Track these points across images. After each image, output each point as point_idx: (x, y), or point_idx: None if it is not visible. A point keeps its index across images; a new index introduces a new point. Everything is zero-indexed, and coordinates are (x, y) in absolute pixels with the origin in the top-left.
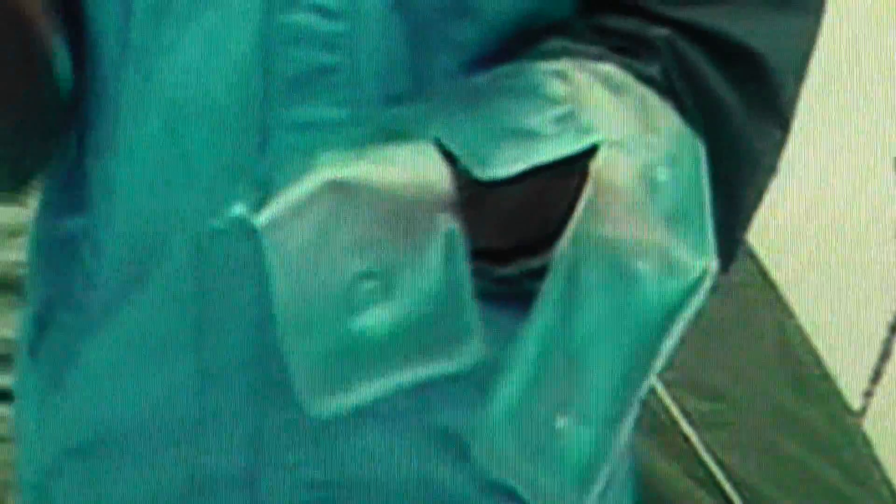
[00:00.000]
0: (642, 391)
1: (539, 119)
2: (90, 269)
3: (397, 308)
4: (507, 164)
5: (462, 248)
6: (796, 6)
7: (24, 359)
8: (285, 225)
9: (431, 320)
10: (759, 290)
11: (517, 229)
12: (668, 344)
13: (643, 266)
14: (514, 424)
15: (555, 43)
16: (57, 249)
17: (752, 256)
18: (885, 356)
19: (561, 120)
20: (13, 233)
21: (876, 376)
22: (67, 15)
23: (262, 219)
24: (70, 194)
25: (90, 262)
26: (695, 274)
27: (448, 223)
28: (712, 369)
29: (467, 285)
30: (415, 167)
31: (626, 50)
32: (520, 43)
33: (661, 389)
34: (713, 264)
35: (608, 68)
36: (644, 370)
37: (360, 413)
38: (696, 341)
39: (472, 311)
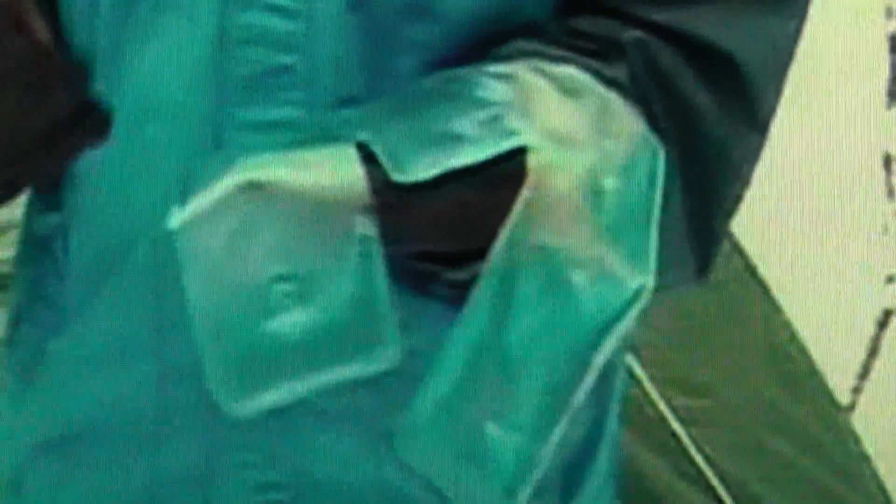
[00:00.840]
0: (574, 403)
1: (465, 122)
2: (61, 267)
3: (312, 312)
4: (424, 167)
5: (378, 252)
6: (778, 10)
7: (3, 354)
8: (200, 226)
9: (347, 325)
10: (747, 287)
11: (462, 233)
12: (601, 357)
13: (578, 278)
14: (442, 426)
15: (517, 45)
16: (35, 246)
17: (739, 252)
18: (873, 352)
19: (485, 123)
20: (1, 229)
21: (864, 372)
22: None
23: (175, 220)
24: (46, 194)
25: (62, 259)
26: (631, 290)
27: (365, 227)
28: (701, 366)
29: (383, 291)
30: (333, 170)
31: (596, 52)
32: (489, 45)
33: (649, 386)
34: (650, 281)
35: (568, 71)
36: (575, 382)
37: (315, 414)
38: (685, 338)
39: (388, 316)
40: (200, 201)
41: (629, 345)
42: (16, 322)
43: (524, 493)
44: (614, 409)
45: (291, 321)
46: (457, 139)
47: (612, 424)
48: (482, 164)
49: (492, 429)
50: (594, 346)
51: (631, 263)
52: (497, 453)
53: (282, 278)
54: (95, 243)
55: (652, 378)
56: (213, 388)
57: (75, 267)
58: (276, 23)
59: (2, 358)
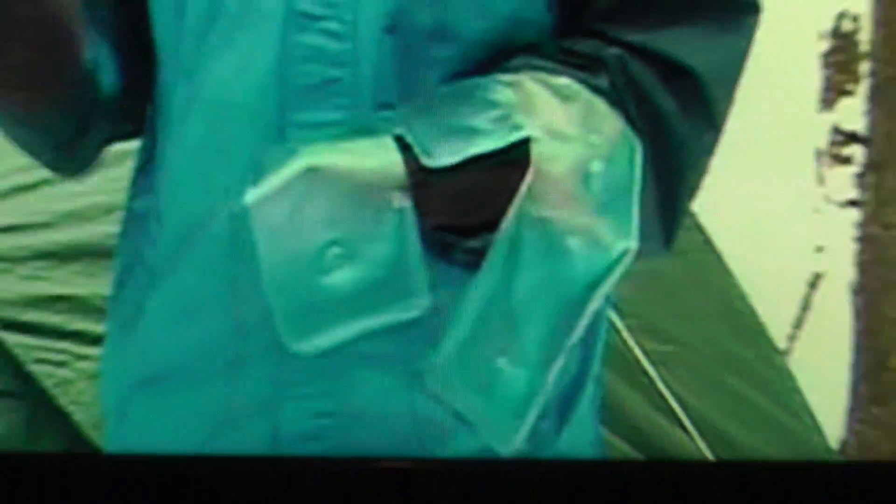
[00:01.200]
0: (569, 344)
1: (480, 119)
2: (155, 238)
3: (358, 270)
4: (448, 154)
5: (411, 222)
6: (731, 32)
7: (108, 309)
8: (269, 203)
9: (386, 280)
10: (705, 256)
11: (477, 210)
12: (592, 306)
13: (573, 243)
14: (461, 362)
15: (521, 60)
16: (134, 222)
17: (699, 229)
18: (805, 307)
19: (497, 120)
20: (108, 209)
21: (798, 323)
22: (137, 35)
23: (250, 197)
24: (144, 179)
25: (155, 232)
26: (616, 252)
27: (400, 201)
28: (668, 319)
29: (416, 252)
30: (375, 156)
31: (584, 66)
32: (500, 59)
33: (627, 334)
34: (633, 245)
35: (563, 80)
36: (570, 327)
37: (358, 357)
38: (655, 297)
39: (420, 272)
40: (270, 182)
41: (612, 302)
42: (119, 283)
43: (530, 416)
44: (599, 352)
45: (341, 277)
46: (474, 132)
47: (597, 364)
48: (494, 152)
49: (503, 364)
50: (586, 298)
51: (616, 232)
52: (508, 384)
53: (333, 243)
54: (182, 218)
55: (629, 328)
56: (280, 332)
57: (166, 238)
58: (328, 44)
59: (108, 312)
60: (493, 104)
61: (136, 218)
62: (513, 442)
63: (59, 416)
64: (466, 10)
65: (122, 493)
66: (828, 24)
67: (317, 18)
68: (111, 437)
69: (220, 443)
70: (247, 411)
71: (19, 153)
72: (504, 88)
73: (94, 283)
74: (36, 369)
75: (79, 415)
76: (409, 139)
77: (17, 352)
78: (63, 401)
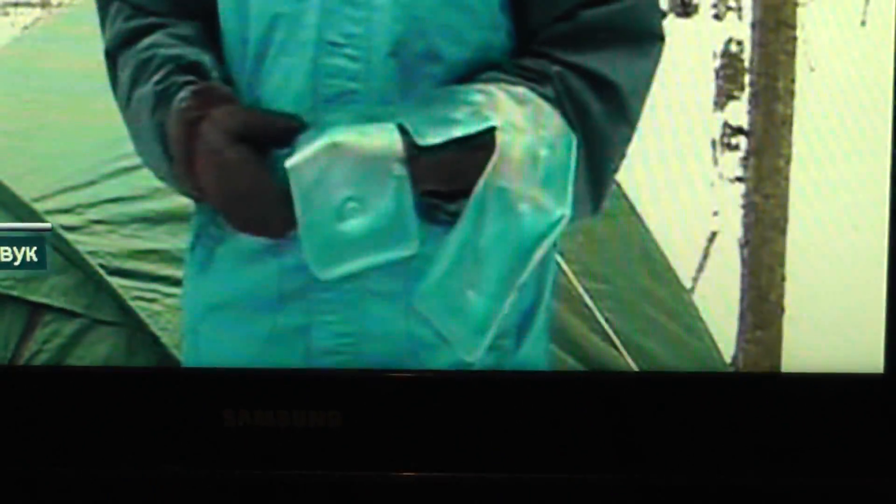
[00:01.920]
0: (520, 281)
1: (459, 113)
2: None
3: (368, 219)
4: (435, 136)
5: (408, 185)
6: (644, 55)
7: (187, 255)
8: (303, 167)
9: (388, 227)
10: (630, 218)
11: (457, 180)
12: (537, 256)
13: (524, 207)
14: (441, 293)
15: (490, 74)
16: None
17: (625, 198)
18: (705, 257)
19: (471, 114)
20: None
21: (700, 269)
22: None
23: (289, 163)
24: None
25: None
26: (555, 217)
27: (399, 170)
28: (602, 264)
29: (411, 208)
30: (381, 136)
31: (534, 79)
32: (474, 74)
33: (571, 275)
34: (567, 212)
35: (520, 89)
36: (520, 270)
37: (367, 292)
38: (593, 248)
39: (413, 223)
40: (303, 152)
41: (560, 252)
42: (197, 236)
43: (489, 333)
44: (549, 287)
45: (355, 225)
46: (454, 122)
47: (548, 296)
48: (469, 137)
49: (470, 294)
50: (532, 248)
51: (555, 201)
52: (473, 309)
53: (350, 199)
54: None
55: (574, 272)
56: (309, 264)
57: None
58: (348, 65)
59: (187, 258)
60: (469, 103)
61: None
62: (476, 353)
63: (151, 340)
64: (450, 39)
65: (195, 397)
66: (720, 46)
67: (340, 45)
68: (188, 351)
69: (268, 356)
70: (287, 331)
71: (124, 144)
72: (476, 93)
73: (177, 240)
74: (134, 304)
75: (165, 338)
76: (407, 126)
77: (120, 292)
78: (154, 328)
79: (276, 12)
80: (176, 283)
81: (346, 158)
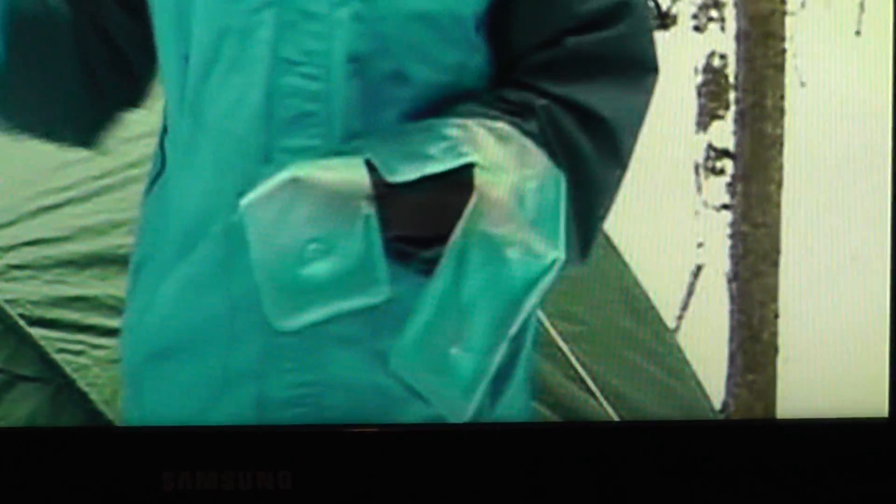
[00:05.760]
0: (510, 335)
1: (433, 148)
2: (164, 237)
3: (332, 262)
4: (407, 173)
5: (376, 225)
6: (636, 89)
7: (127, 294)
8: (260, 206)
9: (354, 271)
10: (607, 253)
11: (432, 224)
12: (529, 305)
13: (511, 253)
14: (420, 350)
15: (468, 107)
16: (150, 223)
17: (601, 231)
18: (690, 293)
19: (446, 149)
20: (117, 225)
21: (684, 306)
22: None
23: (244, 201)
24: (156, 192)
25: (163, 232)
26: (547, 261)
27: (367, 208)
28: (577, 305)
29: (379, 250)
30: (347, 172)
31: (516, 113)
32: (446, 103)
33: (544, 318)
34: (562, 256)
35: (500, 125)
36: (510, 321)
37: (331, 337)
38: (567, 287)
39: (381, 266)
40: (261, 189)
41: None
42: (138, 270)
43: (478, 394)
44: (530, 338)
45: (318, 268)
46: (428, 157)
47: (528, 348)
48: (444, 174)
49: (455, 351)
50: (523, 297)
51: (547, 244)
52: (459, 367)
53: (313, 240)
54: (188, 222)
55: (547, 314)
56: (266, 312)
57: (173, 237)
58: (306, 84)
59: (126, 299)
60: (445, 137)
61: (152, 220)
62: (463, 414)
63: (78, 396)
64: (419, 59)
65: (130, 459)
66: (701, 61)
67: (297, 64)
68: (128, 403)
69: (216, 408)
70: (240, 379)
71: (45, 180)
72: (453, 127)
73: (106, 285)
74: (58, 358)
75: (93, 394)
76: (376, 161)
77: (43, 343)
78: (81, 383)
79: (223, 26)
80: (105, 332)
81: (309, 196)
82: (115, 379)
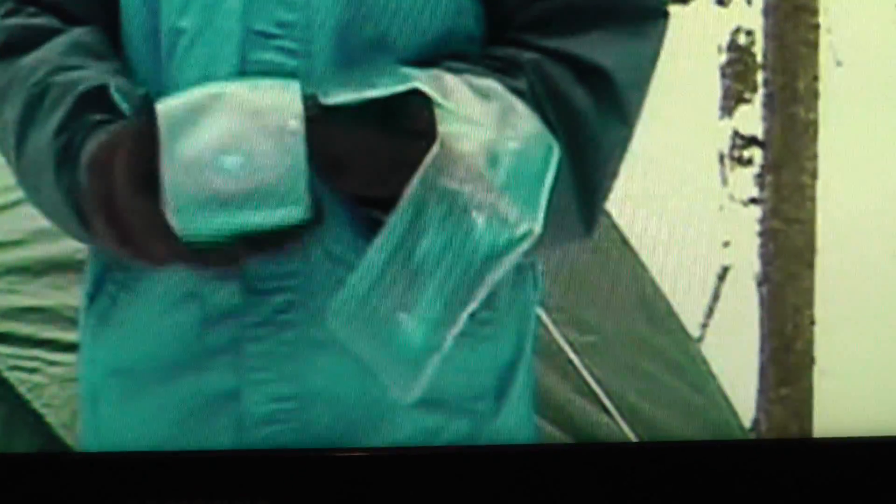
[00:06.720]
0: (467, 309)
1: (383, 80)
2: None
3: (248, 173)
4: (343, 96)
5: (301, 146)
6: (641, 37)
7: (84, 306)
8: (175, 112)
9: (272, 185)
10: (621, 252)
11: (385, 175)
12: (492, 277)
13: (477, 216)
14: (363, 311)
15: (448, 64)
16: None
17: (615, 228)
18: (715, 298)
19: (397, 81)
20: None
21: (709, 313)
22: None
23: (159, 104)
24: None
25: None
26: (517, 232)
27: (294, 127)
28: (589, 311)
29: (302, 169)
30: (276, 92)
31: (503, 70)
32: (430, 66)
33: (552, 327)
34: (536, 228)
35: (486, 82)
36: (469, 293)
37: (312, 343)
38: (577, 292)
39: (302, 187)
40: (180, 96)
41: (539, 300)
42: (97, 283)
43: (427, 368)
44: (529, 343)
45: (232, 177)
46: (371, 85)
47: (528, 353)
48: (397, 116)
49: (403, 318)
50: (485, 268)
51: (521, 213)
52: (406, 336)
53: (228, 152)
54: None
55: (554, 321)
56: (174, 218)
57: None
58: (285, 60)
59: (83, 309)
60: (400, 74)
61: None
62: (411, 390)
63: (33, 419)
64: (404, 25)
65: (91, 488)
66: (725, 39)
67: (272, 37)
68: (85, 429)
69: (187, 431)
70: (213, 397)
71: None
72: (418, 72)
73: (63, 295)
74: (10, 376)
75: (51, 416)
76: (315, 88)
77: None
78: (36, 404)
79: None
80: (63, 348)
81: (229, 110)
82: (75, 399)
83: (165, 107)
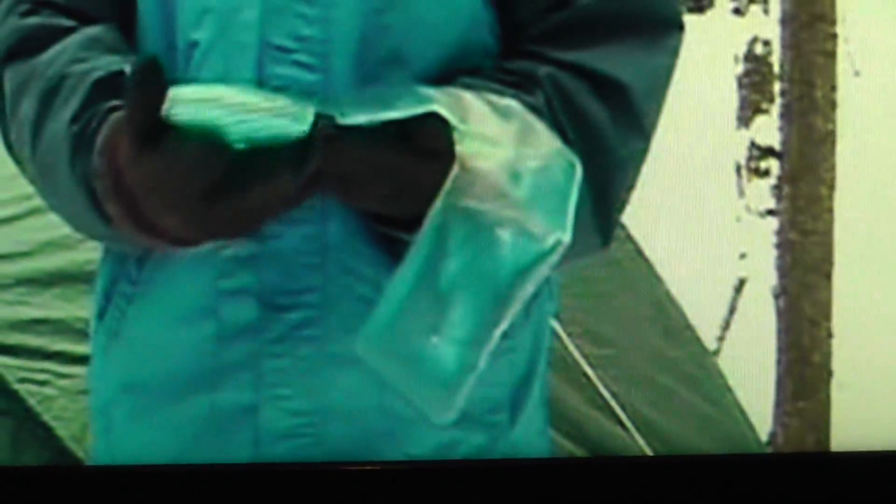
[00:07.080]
0: (501, 326)
1: (401, 102)
2: (141, 255)
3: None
4: (360, 117)
5: (311, 116)
6: (657, 50)
7: (94, 321)
8: (182, 101)
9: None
10: (637, 264)
11: (409, 203)
12: (523, 293)
13: (501, 233)
14: (393, 336)
15: (465, 80)
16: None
17: (631, 240)
18: (731, 311)
19: (415, 103)
20: (83, 238)
21: (726, 325)
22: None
23: (173, 91)
24: None
25: (143, 249)
26: (546, 244)
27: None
28: (604, 324)
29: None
30: (290, 108)
31: (518, 84)
32: (446, 80)
33: (567, 340)
34: (566, 238)
35: (506, 101)
36: (501, 311)
37: (330, 358)
38: (593, 305)
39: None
40: (190, 88)
41: (554, 312)
42: (107, 297)
43: (462, 390)
44: (544, 356)
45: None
46: (390, 106)
47: (543, 366)
48: (414, 138)
49: (434, 341)
50: (515, 284)
51: (548, 224)
52: (440, 359)
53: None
54: None
55: (569, 334)
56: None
57: (150, 255)
58: (302, 75)
59: (94, 324)
60: (418, 94)
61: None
62: (445, 412)
63: (43, 432)
64: (422, 38)
65: (103, 503)
66: (742, 49)
67: (290, 51)
68: (97, 443)
69: (203, 447)
70: (229, 413)
71: (2, 189)
72: (437, 92)
73: (73, 307)
74: (20, 388)
75: (61, 430)
76: (333, 108)
77: (2, 372)
78: (46, 417)
79: (204, 6)
80: (73, 360)
81: (238, 112)
82: (85, 412)
83: (176, 91)
